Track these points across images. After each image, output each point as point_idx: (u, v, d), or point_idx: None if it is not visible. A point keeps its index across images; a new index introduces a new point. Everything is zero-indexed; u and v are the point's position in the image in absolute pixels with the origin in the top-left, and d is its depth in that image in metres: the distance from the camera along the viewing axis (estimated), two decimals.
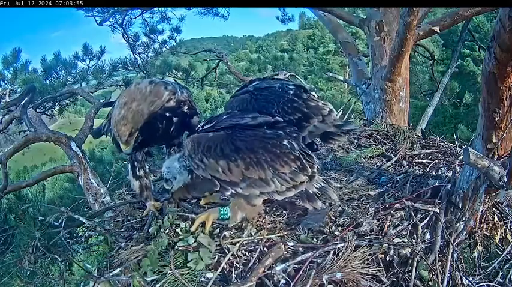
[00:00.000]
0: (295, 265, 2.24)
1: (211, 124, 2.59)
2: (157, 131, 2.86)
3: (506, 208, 2.82)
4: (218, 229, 2.62)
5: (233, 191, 2.39)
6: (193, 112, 2.98)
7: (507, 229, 2.74)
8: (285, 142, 2.42)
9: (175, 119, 2.86)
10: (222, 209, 2.62)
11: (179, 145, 3.21)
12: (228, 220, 2.61)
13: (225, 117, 2.63)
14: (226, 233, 2.56)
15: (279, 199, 2.44)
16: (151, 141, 3.04)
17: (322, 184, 2.59)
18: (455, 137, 4.08)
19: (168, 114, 2.83)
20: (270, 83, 2.91)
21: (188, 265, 2.31)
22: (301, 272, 2.16)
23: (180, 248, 2.41)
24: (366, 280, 2.19)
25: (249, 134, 2.42)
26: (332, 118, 2.61)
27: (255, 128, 2.48)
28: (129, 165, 3.14)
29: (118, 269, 2.46)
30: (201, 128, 2.62)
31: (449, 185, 2.74)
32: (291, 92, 2.72)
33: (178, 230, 2.55)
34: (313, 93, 2.84)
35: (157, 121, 2.82)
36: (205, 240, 2.41)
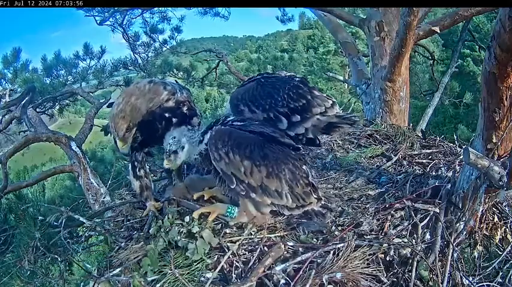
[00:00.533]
0: (295, 265, 2.24)
1: (242, 123, 2.57)
2: (156, 131, 2.85)
3: (506, 208, 2.82)
4: (220, 224, 2.63)
5: (246, 194, 2.42)
6: (192, 113, 2.97)
7: (507, 229, 2.74)
8: (304, 167, 2.59)
9: (174, 120, 2.85)
10: (230, 207, 2.62)
11: None
12: (232, 219, 2.61)
13: (257, 123, 2.61)
14: (227, 230, 2.57)
15: (286, 214, 2.59)
16: (151, 142, 3.03)
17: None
18: (455, 137, 4.07)
19: (167, 115, 2.83)
20: (276, 75, 2.93)
21: (186, 254, 2.33)
22: (301, 272, 2.16)
23: (182, 242, 2.41)
24: (366, 280, 2.19)
25: (278, 148, 2.50)
26: (335, 111, 2.64)
27: (283, 144, 2.54)
28: (130, 165, 3.14)
29: (118, 269, 2.47)
30: (230, 122, 2.58)
31: (449, 185, 2.74)
32: (297, 79, 2.77)
33: (182, 223, 2.55)
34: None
35: (156, 121, 2.81)
36: (206, 234, 2.41)
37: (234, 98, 2.78)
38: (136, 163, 3.08)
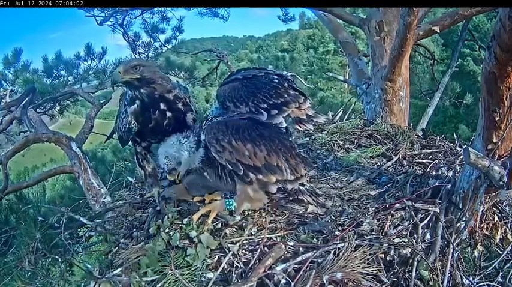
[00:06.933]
0: (296, 265, 2.24)
1: (225, 117, 2.66)
2: (149, 122, 2.84)
3: (507, 208, 2.82)
4: (220, 224, 2.63)
5: (254, 176, 2.45)
6: (187, 108, 3.01)
7: (507, 229, 2.74)
8: (291, 139, 2.73)
9: (168, 114, 2.87)
10: (227, 201, 2.64)
11: None
12: (234, 211, 2.63)
13: (236, 114, 2.70)
14: (227, 230, 2.57)
15: (290, 188, 2.65)
16: (144, 134, 2.99)
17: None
18: (455, 136, 4.07)
19: (162, 106, 2.83)
20: (255, 72, 3.14)
21: (186, 259, 2.33)
22: (301, 272, 2.16)
23: (181, 244, 2.42)
24: (367, 280, 2.19)
25: (266, 126, 2.63)
26: (306, 105, 2.97)
27: (268, 124, 2.66)
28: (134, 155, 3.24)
29: (119, 269, 2.47)
30: (216, 120, 2.64)
31: (450, 185, 2.74)
32: (276, 81, 3.05)
33: (181, 224, 2.56)
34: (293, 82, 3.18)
35: (150, 108, 2.81)
36: (204, 238, 2.41)
37: (220, 95, 3.00)
38: (138, 155, 3.17)
